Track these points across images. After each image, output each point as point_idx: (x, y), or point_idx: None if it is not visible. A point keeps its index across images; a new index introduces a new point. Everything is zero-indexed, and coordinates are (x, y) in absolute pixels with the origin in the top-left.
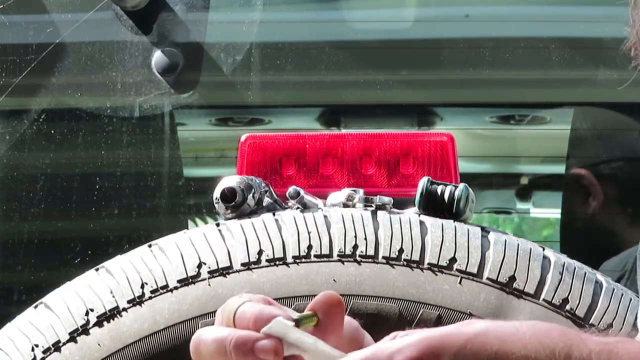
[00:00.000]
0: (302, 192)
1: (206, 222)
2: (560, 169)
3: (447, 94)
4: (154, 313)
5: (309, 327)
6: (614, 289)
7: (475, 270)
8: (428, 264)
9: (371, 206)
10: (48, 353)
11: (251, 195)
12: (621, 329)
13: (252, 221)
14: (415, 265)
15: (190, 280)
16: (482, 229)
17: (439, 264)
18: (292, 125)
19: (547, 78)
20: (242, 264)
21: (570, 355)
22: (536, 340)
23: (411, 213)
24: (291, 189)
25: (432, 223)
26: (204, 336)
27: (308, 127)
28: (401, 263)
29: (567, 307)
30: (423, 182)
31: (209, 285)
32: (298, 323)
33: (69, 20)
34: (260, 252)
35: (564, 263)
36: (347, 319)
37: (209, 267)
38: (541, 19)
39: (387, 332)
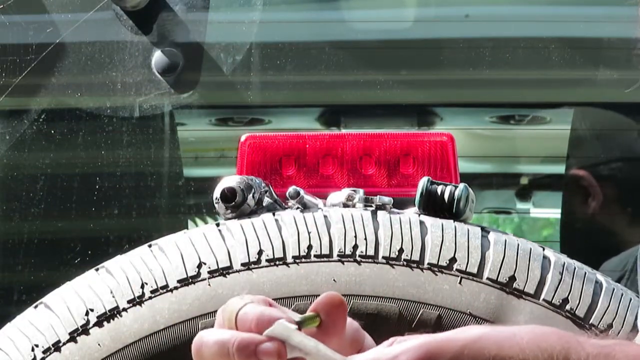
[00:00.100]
0: (302, 192)
1: (206, 222)
2: (560, 169)
3: (447, 94)
4: (154, 313)
5: (311, 328)
6: (614, 289)
7: (475, 270)
8: (428, 264)
9: (371, 206)
10: (48, 353)
11: (251, 195)
12: (621, 329)
13: (252, 221)
14: (415, 265)
15: (190, 280)
16: (482, 229)
17: (439, 264)
18: (292, 125)
19: (547, 78)
20: (242, 264)
21: (568, 358)
22: (534, 344)
23: (411, 213)
24: (291, 189)
25: (432, 223)
26: (206, 338)
27: (308, 127)
28: (401, 263)
29: (567, 307)
30: (423, 182)
31: (209, 285)
32: (300, 324)
33: (69, 20)
34: (260, 252)
35: (564, 263)
36: (348, 320)
37: (209, 267)
38: (541, 19)
39: (387, 332)
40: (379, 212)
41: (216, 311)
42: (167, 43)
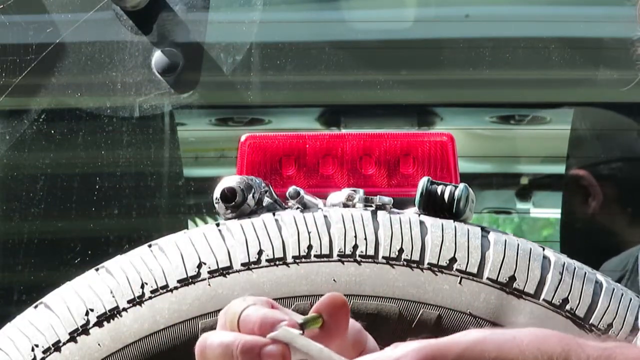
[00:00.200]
0: (302, 192)
1: (206, 222)
2: (560, 169)
3: (447, 94)
4: (154, 313)
5: (314, 330)
6: (614, 289)
7: (475, 270)
8: (428, 264)
9: (371, 206)
10: (48, 353)
11: (251, 195)
12: (621, 329)
13: (252, 221)
14: (415, 265)
15: (190, 280)
16: (482, 229)
17: (439, 264)
18: (292, 125)
19: (547, 78)
20: (242, 264)
21: None
22: (534, 347)
23: (411, 213)
24: (291, 189)
25: (432, 223)
26: (210, 340)
27: (308, 127)
28: (401, 263)
29: (567, 307)
30: (423, 182)
31: (209, 285)
32: (303, 326)
33: (69, 20)
34: (260, 252)
35: (564, 263)
36: (351, 321)
37: (209, 267)
38: (541, 19)
39: (387, 332)
40: (379, 212)
41: (216, 311)
42: (167, 43)
